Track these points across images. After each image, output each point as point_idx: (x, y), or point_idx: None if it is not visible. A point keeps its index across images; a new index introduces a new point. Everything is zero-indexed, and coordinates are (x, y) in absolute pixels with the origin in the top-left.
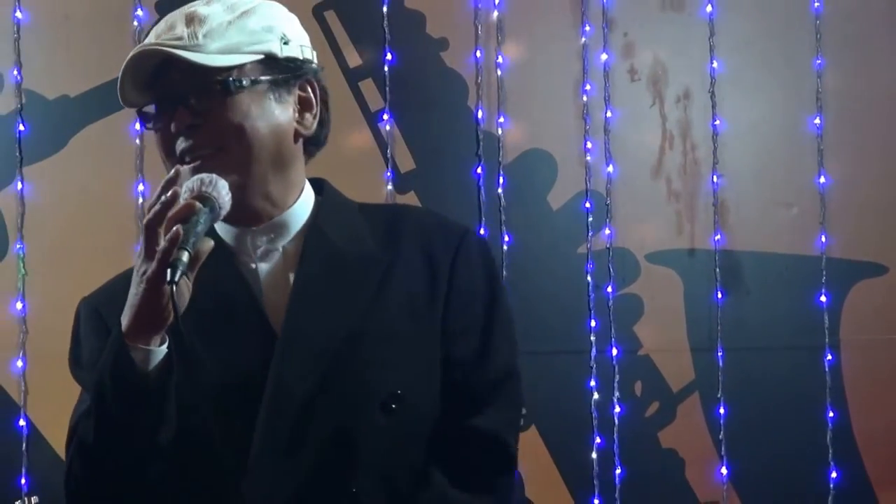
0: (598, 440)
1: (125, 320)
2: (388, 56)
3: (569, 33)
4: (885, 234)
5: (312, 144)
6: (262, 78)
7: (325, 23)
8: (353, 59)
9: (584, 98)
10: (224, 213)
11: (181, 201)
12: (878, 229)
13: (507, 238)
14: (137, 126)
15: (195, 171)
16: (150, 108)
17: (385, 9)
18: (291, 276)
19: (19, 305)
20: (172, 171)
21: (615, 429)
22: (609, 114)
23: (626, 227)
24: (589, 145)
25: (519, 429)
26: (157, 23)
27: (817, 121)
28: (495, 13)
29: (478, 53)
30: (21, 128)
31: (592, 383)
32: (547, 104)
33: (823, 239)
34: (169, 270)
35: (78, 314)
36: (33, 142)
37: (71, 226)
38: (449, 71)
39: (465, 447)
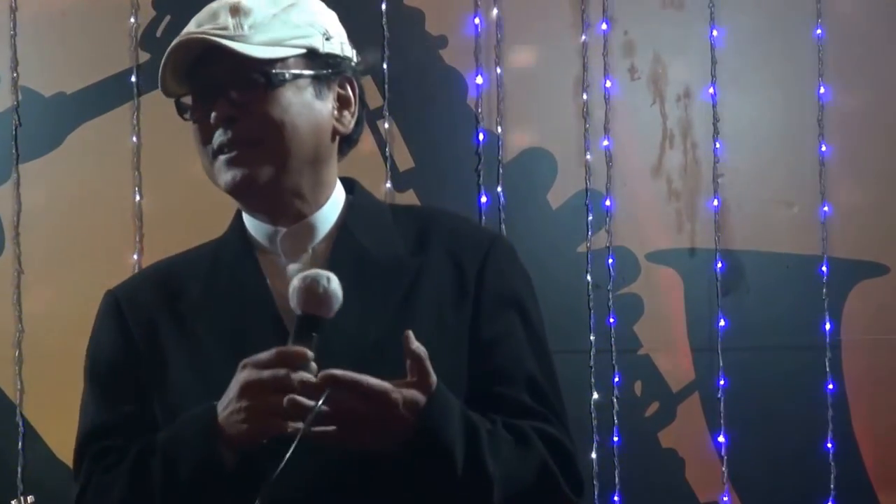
0: (597, 440)
1: (224, 421)
2: (387, 54)
3: (569, 31)
4: (886, 234)
5: (346, 143)
6: (305, 72)
7: None
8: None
9: (584, 97)
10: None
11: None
12: (880, 229)
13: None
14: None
15: (230, 162)
16: (187, 99)
17: (384, 6)
18: None
19: (15, 304)
20: (298, 347)
21: (615, 429)
22: (609, 113)
23: (627, 226)
24: (589, 144)
25: (568, 426)
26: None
27: (819, 120)
28: (495, 11)
29: (477, 51)
30: (17, 125)
31: (592, 383)
32: (547, 103)
33: (824, 238)
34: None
35: (101, 306)
36: (29, 139)
37: (68, 224)
38: (448, 69)
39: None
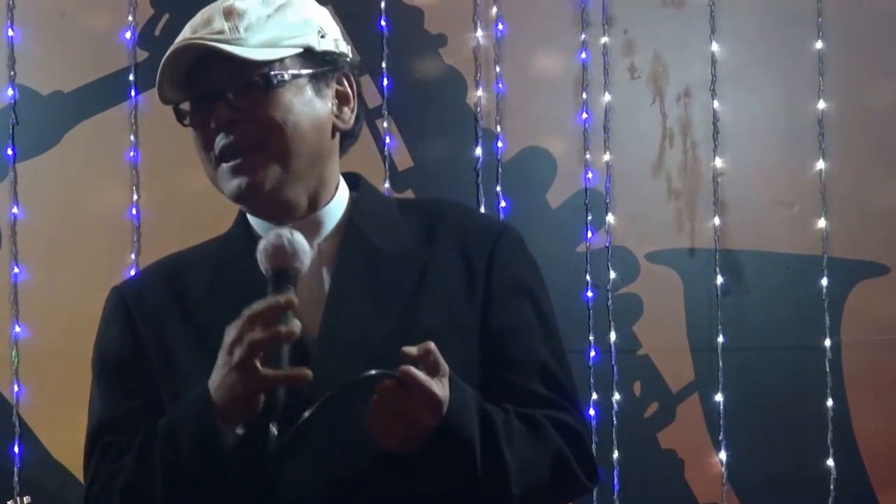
0: (596, 440)
1: (218, 398)
2: (386, 53)
3: (568, 30)
4: (886, 234)
5: (347, 139)
6: (303, 72)
7: None
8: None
9: (584, 95)
10: (305, 270)
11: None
12: (880, 229)
13: None
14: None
15: (234, 170)
16: (186, 105)
17: (383, 4)
18: (325, 274)
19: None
20: (284, 299)
21: (614, 429)
22: (609, 111)
23: (626, 225)
24: (588, 143)
25: (581, 411)
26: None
27: (819, 119)
28: (494, 9)
29: (477, 50)
30: (14, 123)
31: (591, 383)
32: (546, 101)
33: (824, 238)
34: (272, 427)
35: (107, 302)
36: (27, 138)
37: (65, 222)
38: (447, 68)
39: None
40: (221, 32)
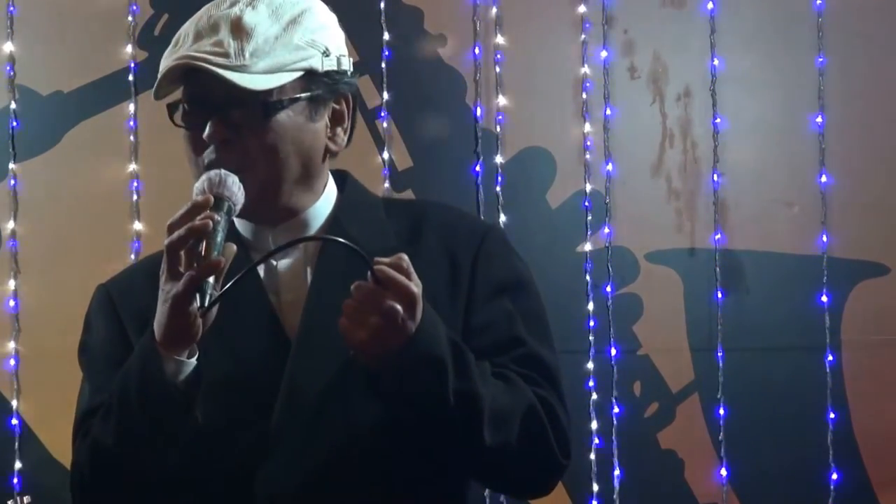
0: (596, 441)
1: (157, 331)
2: (386, 52)
3: (568, 30)
4: (886, 234)
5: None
6: (302, 95)
7: None
8: (350, 56)
9: (584, 96)
10: (238, 208)
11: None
12: (880, 229)
13: None
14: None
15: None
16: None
17: (382, 5)
18: (310, 273)
19: (12, 303)
20: (202, 197)
21: (614, 429)
22: (609, 112)
23: (626, 225)
24: (588, 143)
25: (563, 398)
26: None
27: (819, 119)
28: (494, 9)
29: (476, 50)
30: (14, 123)
31: (591, 383)
32: (546, 102)
33: (825, 238)
34: (198, 296)
35: (92, 300)
36: (27, 138)
37: (64, 222)
38: (447, 67)
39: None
40: (226, 55)
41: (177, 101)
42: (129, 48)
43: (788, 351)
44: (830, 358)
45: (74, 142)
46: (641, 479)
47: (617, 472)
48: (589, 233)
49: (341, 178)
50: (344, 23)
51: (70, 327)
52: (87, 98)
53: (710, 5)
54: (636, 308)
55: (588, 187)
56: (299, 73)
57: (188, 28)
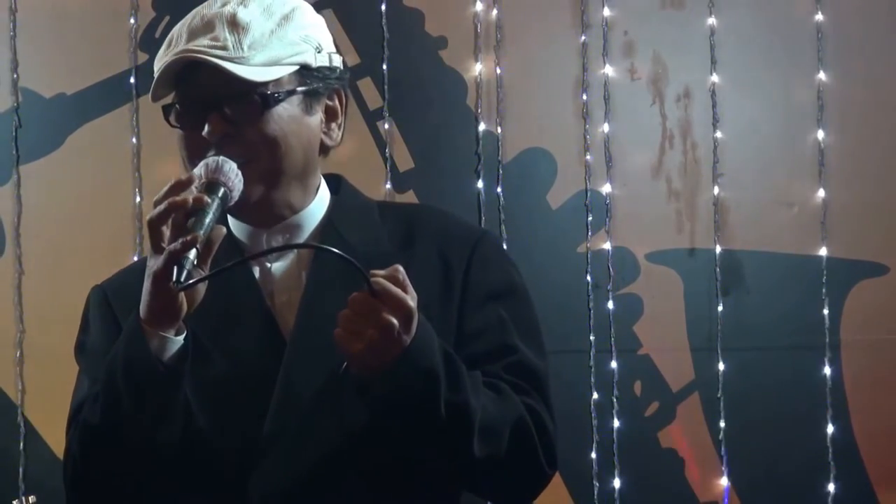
0: (596, 440)
1: (142, 309)
2: (387, 54)
3: (568, 32)
4: (886, 234)
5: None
6: (298, 89)
7: None
8: (352, 58)
9: (584, 97)
10: (236, 195)
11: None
12: (879, 229)
13: (505, 237)
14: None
15: None
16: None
17: (383, 7)
18: (304, 276)
19: (16, 304)
20: (185, 176)
21: (614, 429)
22: (609, 113)
23: (626, 226)
24: (588, 144)
25: (551, 408)
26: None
27: (819, 119)
28: (494, 12)
29: (477, 52)
30: (17, 126)
31: (592, 383)
32: (546, 103)
33: (824, 239)
34: (175, 269)
35: (88, 300)
36: (30, 140)
37: (68, 225)
38: (448, 69)
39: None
40: (225, 48)
41: (171, 102)
42: (131, 50)
43: (788, 350)
44: (830, 357)
45: (77, 144)
46: (642, 479)
47: (617, 470)
48: (589, 233)
49: (335, 181)
50: (345, 25)
51: (74, 328)
52: (90, 100)
53: (710, 6)
54: (636, 308)
55: (588, 188)
56: (294, 68)
57: (180, 29)
